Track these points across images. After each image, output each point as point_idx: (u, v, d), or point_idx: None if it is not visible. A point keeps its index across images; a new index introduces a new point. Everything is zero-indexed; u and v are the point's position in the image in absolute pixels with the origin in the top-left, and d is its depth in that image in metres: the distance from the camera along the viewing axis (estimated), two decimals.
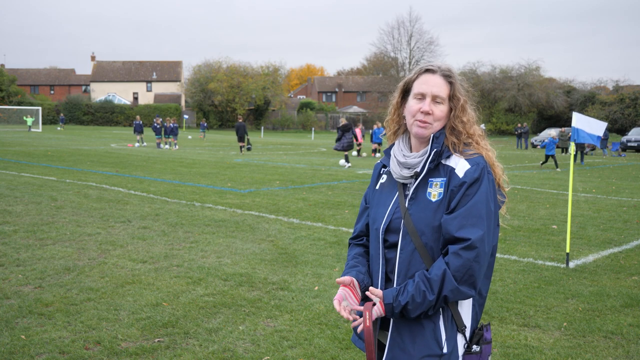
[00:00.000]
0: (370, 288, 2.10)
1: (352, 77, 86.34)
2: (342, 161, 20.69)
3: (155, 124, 30.93)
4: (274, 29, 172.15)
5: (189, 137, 46.37)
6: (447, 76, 2.15)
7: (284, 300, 5.38)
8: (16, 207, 9.73)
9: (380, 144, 26.92)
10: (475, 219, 2.01)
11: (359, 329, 2.14)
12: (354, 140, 21.85)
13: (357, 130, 28.63)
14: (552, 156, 22.30)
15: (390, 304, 2.03)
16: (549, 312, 5.22)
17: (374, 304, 2.09)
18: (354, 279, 2.19)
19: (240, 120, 29.33)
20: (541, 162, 23.61)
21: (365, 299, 2.20)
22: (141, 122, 33.77)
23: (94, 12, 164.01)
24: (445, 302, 2.02)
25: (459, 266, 1.98)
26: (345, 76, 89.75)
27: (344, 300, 2.14)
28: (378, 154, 26.87)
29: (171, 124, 30.34)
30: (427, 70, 2.17)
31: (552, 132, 23.75)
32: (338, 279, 2.16)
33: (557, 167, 22.07)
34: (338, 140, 21.28)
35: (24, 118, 48.73)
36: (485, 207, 2.03)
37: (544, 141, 24.15)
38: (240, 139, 27.82)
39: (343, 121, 21.82)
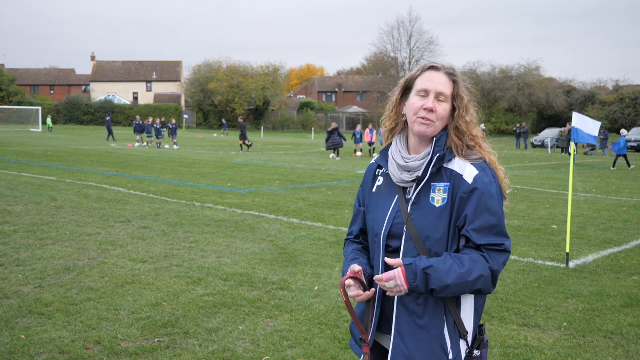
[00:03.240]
0: (387, 259, 2.02)
1: (352, 77, 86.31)
2: (332, 155, 25.36)
3: (154, 125, 30.99)
4: (274, 29, 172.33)
5: (215, 135, 48.05)
6: (451, 74, 2.11)
7: (284, 300, 5.38)
8: (16, 207, 9.73)
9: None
10: (499, 228, 2.02)
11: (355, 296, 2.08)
12: (343, 141, 25.66)
13: (367, 131, 28.63)
14: (624, 156, 22.15)
15: (411, 264, 1.96)
16: (549, 312, 5.22)
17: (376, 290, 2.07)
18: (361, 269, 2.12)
19: (242, 121, 31.04)
20: (613, 163, 22.81)
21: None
22: (141, 122, 33.90)
23: (94, 12, 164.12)
24: (472, 289, 1.97)
25: (491, 262, 1.98)
26: (345, 76, 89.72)
27: (352, 287, 2.07)
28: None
29: (150, 123, 31.02)
30: (431, 68, 2.13)
31: (623, 131, 23.14)
32: (347, 274, 2.08)
33: (629, 165, 22.05)
34: (327, 141, 25.55)
35: (47, 120, 49.51)
36: (502, 215, 2.05)
37: (623, 136, 22.83)
38: (243, 137, 29.12)
39: (334, 125, 25.67)
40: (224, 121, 56.49)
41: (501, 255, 2.01)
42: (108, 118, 36.82)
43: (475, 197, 2.00)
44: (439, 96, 2.08)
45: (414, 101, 2.11)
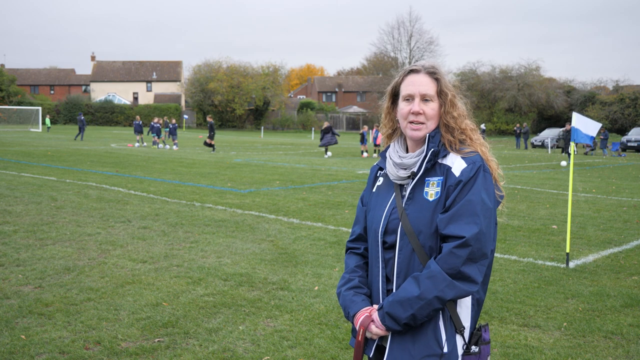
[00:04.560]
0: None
1: (352, 77, 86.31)
2: (327, 154, 26.42)
3: (155, 124, 31.00)
4: (275, 30, 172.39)
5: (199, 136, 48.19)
6: (432, 73, 2.14)
7: (284, 300, 5.38)
8: (16, 207, 9.73)
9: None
10: (469, 216, 1.99)
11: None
12: (337, 138, 27.08)
13: (380, 135, 28.70)
14: None
15: (381, 307, 2.07)
16: (549, 312, 5.22)
17: (372, 320, 2.11)
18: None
19: (210, 120, 30.45)
20: None
21: None
22: (141, 122, 33.83)
23: (94, 12, 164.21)
24: (444, 301, 1.99)
25: (450, 263, 1.97)
26: (345, 76, 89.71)
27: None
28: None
29: (154, 123, 31.01)
30: (412, 71, 2.17)
31: None
32: (365, 315, 2.13)
33: None
34: (321, 139, 26.84)
35: (46, 120, 49.43)
36: (480, 204, 2.01)
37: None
38: (211, 136, 29.00)
39: (325, 124, 27.08)
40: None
41: (461, 250, 1.97)
42: (82, 117, 35.09)
43: (458, 188, 2.03)
44: (424, 97, 2.12)
45: (401, 107, 2.17)
